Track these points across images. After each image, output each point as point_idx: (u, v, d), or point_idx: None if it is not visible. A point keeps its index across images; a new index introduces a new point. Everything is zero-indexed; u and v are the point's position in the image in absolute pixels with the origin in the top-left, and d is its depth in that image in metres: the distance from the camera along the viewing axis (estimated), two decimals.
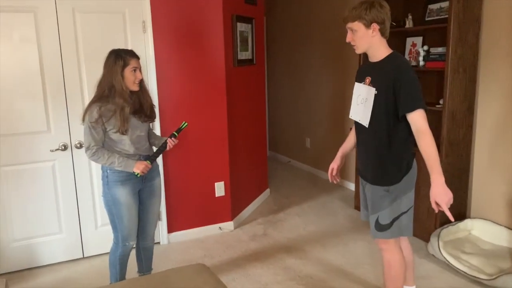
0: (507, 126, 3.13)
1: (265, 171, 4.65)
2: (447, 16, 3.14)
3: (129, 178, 2.45)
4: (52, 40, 3.00)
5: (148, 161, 2.47)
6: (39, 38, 2.96)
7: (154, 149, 2.63)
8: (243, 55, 3.91)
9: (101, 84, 2.40)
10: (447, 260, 2.93)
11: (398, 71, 2.02)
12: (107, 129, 2.38)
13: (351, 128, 2.46)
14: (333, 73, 4.94)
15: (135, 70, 2.39)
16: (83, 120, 2.38)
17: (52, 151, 3.09)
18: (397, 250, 2.25)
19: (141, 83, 2.48)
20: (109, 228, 2.59)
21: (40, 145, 3.07)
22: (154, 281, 2.08)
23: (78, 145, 3.12)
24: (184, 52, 3.41)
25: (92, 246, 3.32)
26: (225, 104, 3.61)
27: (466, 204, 3.46)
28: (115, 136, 2.40)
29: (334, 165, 2.48)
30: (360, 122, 2.21)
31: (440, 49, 3.31)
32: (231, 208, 3.81)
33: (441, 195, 1.94)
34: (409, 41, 3.73)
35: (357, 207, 4.06)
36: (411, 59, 3.67)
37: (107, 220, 2.57)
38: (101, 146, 2.41)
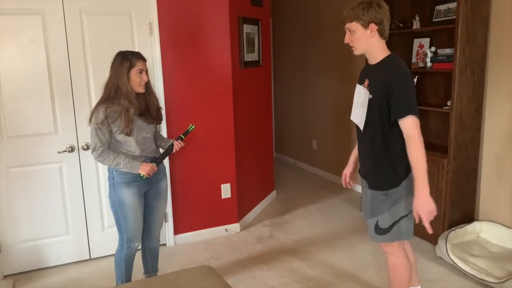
0: None
1: (271, 173, 4.64)
2: (454, 17, 3.12)
3: (135, 179, 2.46)
4: (60, 42, 3.02)
5: (154, 163, 2.48)
6: (47, 40, 2.98)
7: (161, 151, 2.63)
8: (250, 57, 3.91)
9: (107, 86, 2.42)
10: (455, 263, 2.90)
11: (391, 75, 1.98)
12: (113, 130, 2.39)
13: None
14: (340, 74, 4.92)
15: (141, 72, 2.40)
16: (90, 121, 2.40)
17: (59, 152, 3.10)
18: (401, 253, 2.22)
19: (148, 85, 2.49)
20: (115, 229, 2.60)
21: (47, 147, 3.08)
22: (160, 283, 2.08)
23: (85, 147, 3.13)
24: (190, 54, 3.42)
25: (98, 248, 3.33)
26: (231, 106, 3.61)
27: (474, 206, 3.43)
28: (120, 137, 2.41)
29: (347, 171, 2.48)
30: (358, 124, 2.20)
31: (447, 50, 3.29)
32: (237, 210, 3.81)
33: (423, 205, 1.93)
34: (417, 42, 3.71)
35: None
36: (418, 60, 3.65)
37: (113, 221, 2.58)
38: (107, 147, 2.42)
